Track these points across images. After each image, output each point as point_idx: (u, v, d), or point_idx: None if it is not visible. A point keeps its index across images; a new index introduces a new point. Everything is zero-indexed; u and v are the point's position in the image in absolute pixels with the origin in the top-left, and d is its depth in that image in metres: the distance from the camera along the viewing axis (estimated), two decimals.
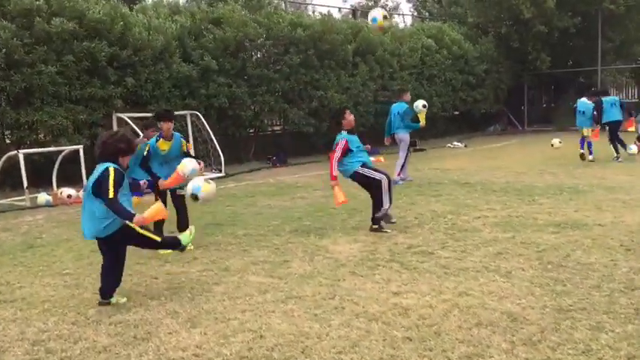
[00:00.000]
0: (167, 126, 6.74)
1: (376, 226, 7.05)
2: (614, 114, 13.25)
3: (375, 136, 19.34)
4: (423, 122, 11.41)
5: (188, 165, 6.04)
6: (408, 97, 11.55)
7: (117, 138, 4.88)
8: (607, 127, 13.41)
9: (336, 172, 7.11)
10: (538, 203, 8.39)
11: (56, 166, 11.23)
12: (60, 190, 10.49)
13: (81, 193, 10.43)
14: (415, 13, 32.43)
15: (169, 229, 6.65)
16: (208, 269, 5.76)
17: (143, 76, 13.31)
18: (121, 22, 12.82)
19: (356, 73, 18.40)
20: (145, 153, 6.61)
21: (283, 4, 19.68)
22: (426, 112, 11.53)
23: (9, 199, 10.61)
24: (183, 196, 6.85)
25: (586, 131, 13.28)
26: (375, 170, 7.21)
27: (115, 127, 12.67)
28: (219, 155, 13.56)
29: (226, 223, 7.95)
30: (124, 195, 4.74)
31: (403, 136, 11.26)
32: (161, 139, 6.70)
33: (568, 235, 6.47)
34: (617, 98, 13.36)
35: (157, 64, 13.60)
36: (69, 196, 10.30)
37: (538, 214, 7.67)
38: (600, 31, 23.81)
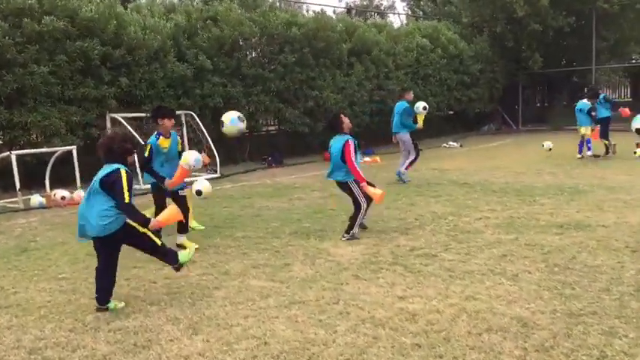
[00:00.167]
0: (170, 123, 6.64)
1: (347, 236, 6.77)
2: (603, 113, 13.73)
3: (371, 136, 19.36)
4: (420, 124, 11.33)
5: (191, 156, 6.14)
6: (410, 96, 11.47)
7: (122, 138, 4.81)
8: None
9: (362, 173, 6.81)
10: (539, 204, 8.32)
11: (49, 167, 11.06)
12: (53, 192, 10.33)
13: (75, 195, 10.32)
14: (409, 12, 32.37)
15: (167, 231, 6.51)
16: (208, 273, 5.64)
17: (137, 76, 13.15)
18: (115, 21, 12.65)
19: (351, 72, 18.30)
20: (147, 154, 6.43)
21: (278, 3, 19.55)
22: (425, 115, 11.45)
23: (1, 202, 10.43)
24: (184, 197, 6.76)
25: (584, 129, 13.56)
26: (363, 193, 6.84)
27: (108, 128, 12.53)
28: (214, 156, 13.41)
29: (224, 226, 7.82)
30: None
31: (403, 135, 11.21)
32: (161, 137, 6.57)
33: (572, 236, 6.39)
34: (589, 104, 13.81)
35: (152, 64, 13.44)
36: (63, 198, 10.14)
37: (540, 214, 7.59)
38: (594, 30, 23.82)
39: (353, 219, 6.83)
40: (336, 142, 6.93)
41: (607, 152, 13.79)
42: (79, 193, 10.39)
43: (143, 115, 13.16)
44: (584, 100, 13.90)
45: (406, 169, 11.08)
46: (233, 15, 15.29)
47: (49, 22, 11.44)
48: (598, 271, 5.12)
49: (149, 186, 6.93)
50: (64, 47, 11.83)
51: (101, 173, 4.65)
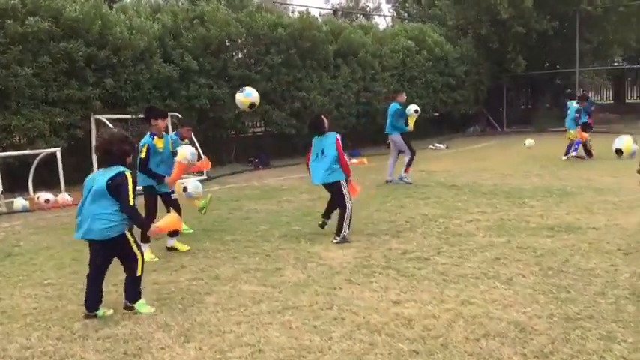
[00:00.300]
0: (163, 124, 6.59)
1: (338, 238, 6.73)
2: (583, 118, 13.96)
3: (358, 137, 19.34)
4: (410, 127, 11.35)
5: (186, 150, 6.26)
6: (402, 97, 11.47)
7: (121, 140, 4.72)
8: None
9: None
10: (529, 206, 8.32)
11: (32, 169, 10.87)
12: (37, 195, 10.14)
13: (59, 198, 10.14)
14: (395, 14, 32.42)
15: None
16: (198, 278, 5.54)
17: (123, 77, 12.98)
18: (100, 22, 12.47)
19: (338, 74, 18.27)
20: (144, 155, 6.31)
21: (264, 4, 19.45)
22: (416, 118, 11.47)
23: None
24: (176, 200, 6.68)
25: (573, 133, 13.74)
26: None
27: (93, 130, 12.35)
28: (200, 157, 13.27)
29: (213, 229, 7.72)
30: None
31: (395, 137, 11.25)
32: (156, 137, 6.47)
33: (563, 238, 6.39)
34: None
35: (137, 65, 13.28)
36: (47, 201, 9.96)
37: (530, 217, 7.59)
38: (578, 32, 24.03)
39: (341, 220, 6.78)
40: (325, 140, 6.86)
41: (590, 155, 13.96)
42: (63, 196, 10.22)
43: (128, 116, 13.02)
44: (574, 103, 14.11)
45: (406, 171, 11.10)
46: (220, 15, 15.18)
47: (33, 22, 11.25)
48: (592, 274, 5.11)
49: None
50: (47, 48, 11.63)
51: (104, 176, 4.54)
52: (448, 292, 4.82)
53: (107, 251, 4.63)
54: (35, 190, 10.56)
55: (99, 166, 4.78)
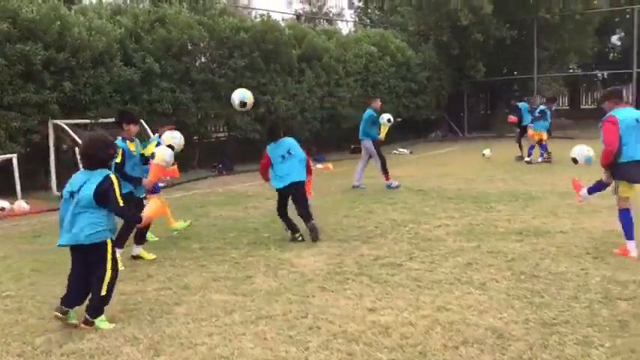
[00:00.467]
0: (135, 129, 6.46)
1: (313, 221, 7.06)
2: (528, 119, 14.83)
3: (321, 143, 19.30)
4: (382, 136, 11.42)
5: (165, 152, 6.24)
6: (377, 104, 11.48)
7: (104, 144, 4.63)
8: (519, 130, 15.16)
9: None
10: (496, 210, 8.39)
11: None
12: None
13: (15, 205, 9.76)
14: (357, 20, 32.58)
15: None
16: (166, 287, 5.36)
17: (82, 80, 12.58)
18: (58, 22, 12.08)
19: (302, 79, 18.19)
20: (120, 159, 6.08)
21: (227, 8, 19.25)
22: (388, 127, 11.53)
23: None
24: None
25: (544, 134, 14.24)
26: None
27: (51, 135, 11.95)
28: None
29: (179, 236, 7.52)
30: None
31: (367, 142, 11.28)
32: (128, 141, 6.28)
33: (532, 243, 6.44)
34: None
35: (97, 68, 12.91)
36: (2, 209, 9.56)
37: (497, 221, 7.64)
38: (536, 39, 24.58)
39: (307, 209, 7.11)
40: (287, 143, 7.17)
41: (522, 158, 14.74)
42: (20, 204, 9.85)
43: (88, 121, 12.66)
44: (542, 105, 14.63)
45: (387, 179, 11.10)
46: (182, 18, 14.92)
47: None
48: (563, 278, 5.14)
49: None
50: (3, 50, 11.19)
51: (91, 182, 4.43)
52: (423, 298, 4.78)
53: (86, 257, 4.49)
54: None
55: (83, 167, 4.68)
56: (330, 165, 15.87)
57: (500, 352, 3.71)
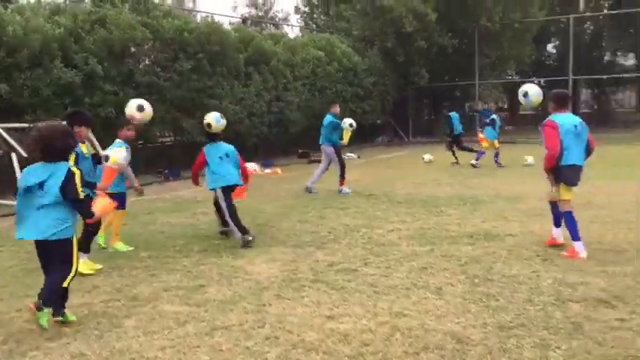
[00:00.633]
0: (86, 131, 6.10)
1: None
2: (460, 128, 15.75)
3: (269, 147, 19.17)
4: (345, 141, 11.44)
5: (119, 155, 5.93)
6: (336, 109, 11.45)
7: (62, 133, 4.42)
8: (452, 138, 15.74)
9: None
10: (446, 214, 8.48)
11: None
12: None
13: None
14: (303, 24, 32.61)
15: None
16: (114, 299, 5.12)
17: (18, 82, 12.04)
18: None
19: (250, 83, 18.03)
20: (73, 162, 5.76)
21: (171, 10, 18.86)
22: (351, 132, 11.53)
23: None
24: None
25: (496, 142, 14.78)
26: None
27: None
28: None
29: (127, 244, 7.23)
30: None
31: (327, 148, 11.27)
32: (79, 143, 5.95)
33: (484, 246, 6.52)
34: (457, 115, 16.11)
35: (35, 69, 12.37)
36: None
37: (448, 225, 7.72)
38: (477, 47, 25.26)
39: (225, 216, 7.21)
40: (226, 147, 7.43)
41: (457, 162, 15.37)
42: None
43: (25, 125, 12.08)
44: (494, 115, 15.42)
45: (342, 184, 11.08)
46: (123, 18, 14.50)
47: None
48: (516, 281, 5.21)
49: None
50: None
51: (56, 177, 4.25)
52: (381, 304, 4.74)
53: (49, 252, 4.37)
54: None
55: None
56: (278, 170, 15.76)
57: (460, 358, 3.70)
